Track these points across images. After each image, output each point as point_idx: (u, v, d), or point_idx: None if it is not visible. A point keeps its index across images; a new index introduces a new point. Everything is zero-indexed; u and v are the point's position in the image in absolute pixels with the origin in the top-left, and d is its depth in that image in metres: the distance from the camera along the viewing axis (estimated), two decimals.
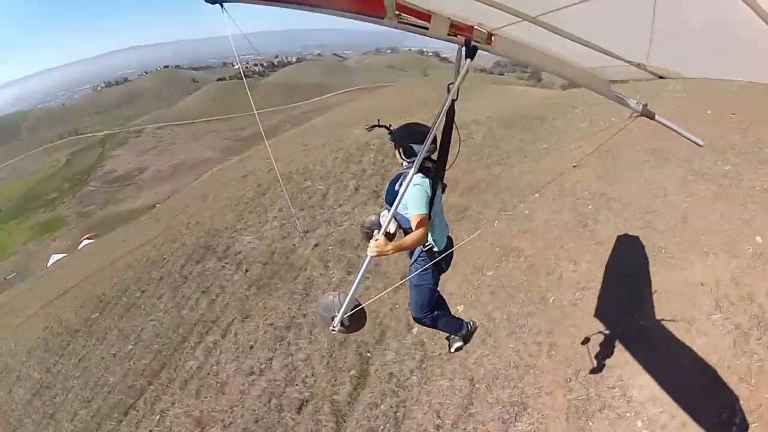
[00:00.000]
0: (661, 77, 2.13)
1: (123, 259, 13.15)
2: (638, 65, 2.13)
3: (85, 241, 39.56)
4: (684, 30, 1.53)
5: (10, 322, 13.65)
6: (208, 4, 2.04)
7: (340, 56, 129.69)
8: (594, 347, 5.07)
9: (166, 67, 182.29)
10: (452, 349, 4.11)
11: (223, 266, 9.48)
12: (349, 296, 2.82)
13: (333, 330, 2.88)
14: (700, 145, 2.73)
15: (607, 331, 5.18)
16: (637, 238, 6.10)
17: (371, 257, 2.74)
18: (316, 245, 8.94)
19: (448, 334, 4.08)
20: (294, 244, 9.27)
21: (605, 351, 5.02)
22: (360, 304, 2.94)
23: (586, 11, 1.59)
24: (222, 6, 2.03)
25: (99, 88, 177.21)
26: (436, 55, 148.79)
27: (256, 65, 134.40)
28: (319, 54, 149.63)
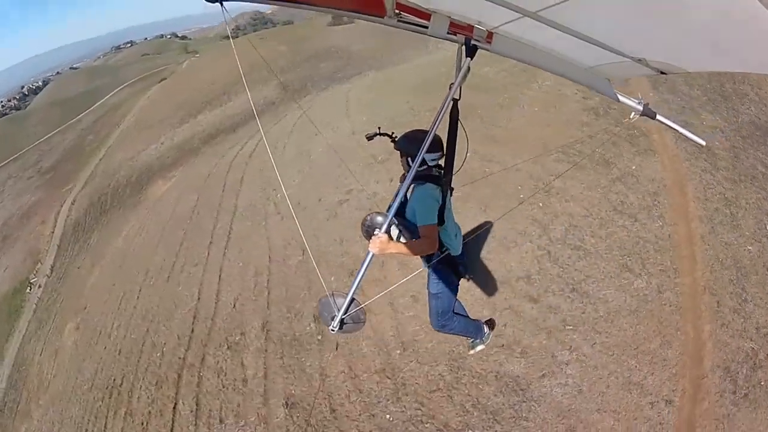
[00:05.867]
0: (662, 72, 2.21)
1: None
2: (639, 60, 2.21)
3: None
4: (685, 23, 1.56)
5: None
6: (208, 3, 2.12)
7: (75, 68, 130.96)
8: None
9: None
10: (473, 351, 4.48)
11: None
12: (349, 296, 2.94)
13: (332, 330, 2.98)
14: (702, 145, 2.95)
15: None
16: None
17: (373, 254, 2.85)
18: None
19: (468, 338, 4.39)
20: None
21: None
22: (360, 304, 3.06)
23: (587, 6, 1.65)
24: (222, 5, 2.10)
25: None
26: (174, 35, 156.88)
27: (9, 100, 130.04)
28: (58, 72, 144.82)
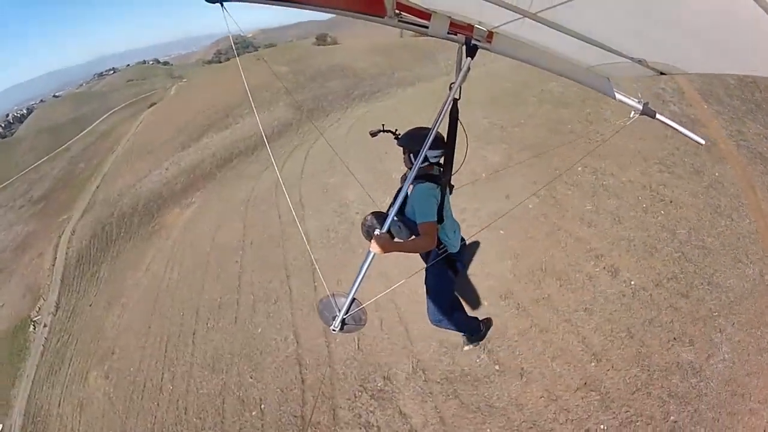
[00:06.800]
0: (662, 73, 2.24)
1: None
2: (639, 61, 2.23)
3: None
4: (685, 24, 1.58)
5: None
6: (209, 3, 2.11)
7: (58, 96, 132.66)
8: None
9: None
10: (466, 347, 4.85)
11: None
12: (350, 296, 2.95)
13: (334, 330, 3.01)
14: (701, 144, 2.96)
15: None
16: None
17: (374, 254, 2.85)
18: None
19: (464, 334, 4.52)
20: None
21: None
22: (361, 304, 3.06)
23: (587, 7, 1.68)
24: (222, 5, 2.09)
25: None
26: (156, 61, 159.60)
27: None
28: (42, 100, 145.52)
